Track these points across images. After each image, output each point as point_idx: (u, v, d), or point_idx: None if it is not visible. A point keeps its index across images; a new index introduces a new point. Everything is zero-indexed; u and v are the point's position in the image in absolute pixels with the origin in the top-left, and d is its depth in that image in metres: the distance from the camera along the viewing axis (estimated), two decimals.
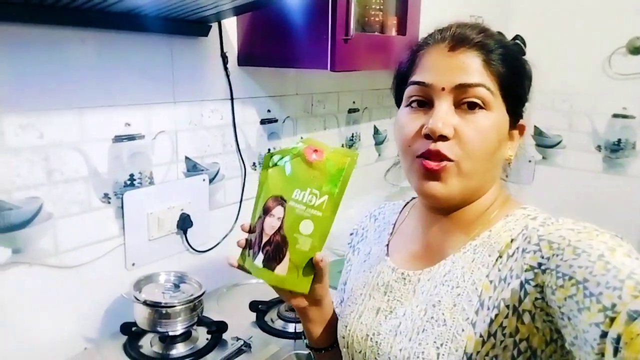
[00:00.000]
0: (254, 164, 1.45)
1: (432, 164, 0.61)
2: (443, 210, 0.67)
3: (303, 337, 0.81)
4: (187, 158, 1.26)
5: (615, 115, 1.95)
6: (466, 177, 0.62)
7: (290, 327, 1.18)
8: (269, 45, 1.25)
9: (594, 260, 0.48)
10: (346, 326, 0.72)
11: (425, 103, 0.63)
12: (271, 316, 1.23)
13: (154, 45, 1.13)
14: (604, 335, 0.44)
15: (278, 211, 0.64)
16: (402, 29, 1.38)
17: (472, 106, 0.61)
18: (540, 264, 0.54)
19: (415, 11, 1.40)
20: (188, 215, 1.26)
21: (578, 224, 0.56)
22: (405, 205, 0.81)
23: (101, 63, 1.04)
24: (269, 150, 1.50)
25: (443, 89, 0.61)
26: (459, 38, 0.62)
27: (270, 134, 1.49)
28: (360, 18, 1.30)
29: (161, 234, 1.22)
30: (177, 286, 1.12)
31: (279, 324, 1.20)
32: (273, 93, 1.47)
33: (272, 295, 1.30)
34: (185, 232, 1.27)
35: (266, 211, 0.65)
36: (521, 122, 0.67)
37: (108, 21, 0.99)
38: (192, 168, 1.28)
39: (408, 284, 0.68)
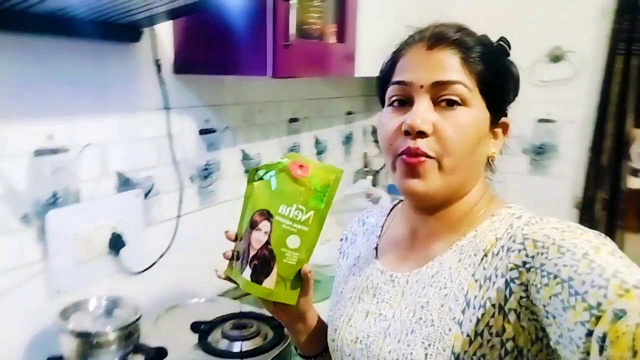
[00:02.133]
0: (191, 176, 1.38)
1: (412, 160, 0.61)
2: (429, 210, 0.67)
3: (293, 345, 0.83)
4: (118, 172, 1.17)
5: (540, 120, 2.07)
6: (447, 174, 0.62)
7: (236, 347, 1.12)
8: (207, 52, 1.20)
9: (579, 258, 0.49)
10: (336, 329, 0.71)
11: (405, 102, 0.64)
12: (214, 336, 1.16)
13: (81, 51, 1.04)
14: (589, 334, 0.44)
15: (265, 225, 0.66)
16: (340, 36, 1.38)
17: (451, 103, 0.61)
18: (525, 263, 0.55)
19: (353, 19, 1.40)
20: (120, 235, 1.16)
21: (562, 222, 0.56)
22: (393, 207, 0.81)
23: (20, 70, 0.94)
24: (208, 161, 1.43)
25: (421, 86, 0.62)
26: (436, 36, 0.63)
27: (209, 144, 1.42)
28: (299, 25, 1.28)
29: (90, 256, 1.11)
30: (109, 312, 1.03)
31: (223, 344, 1.13)
32: (211, 102, 1.41)
33: (215, 314, 1.24)
34: (117, 253, 1.17)
35: (253, 225, 0.66)
36: (504, 120, 0.67)
37: (28, 24, 0.90)
38: (124, 183, 1.19)
39: (397, 286, 0.68)
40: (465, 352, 0.57)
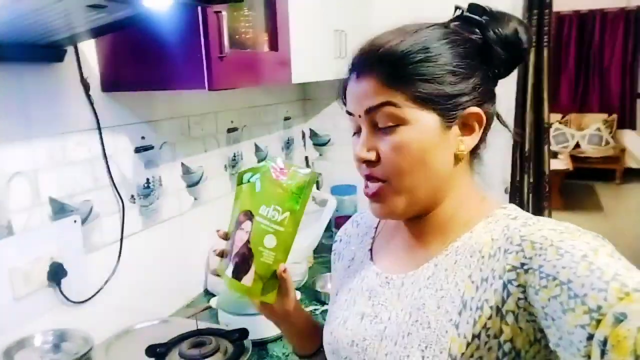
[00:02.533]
0: (132, 196, 1.34)
1: (367, 189, 0.65)
2: (411, 219, 0.68)
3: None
4: (51, 199, 1.11)
5: None
6: (404, 193, 0.63)
7: None
8: (138, 68, 1.17)
9: (578, 260, 0.49)
10: (331, 332, 0.71)
11: (359, 128, 0.66)
12: (172, 358, 1.13)
13: None
14: (590, 337, 0.45)
15: (247, 225, 0.70)
16: (274, 44, 1.39)
17: (385, 125, 0.62)
18: (522, 264, 0.54)
19: (284, 27, 1.42)
20: (60, 264, 1.10)
21: (560, 224, 0.56)
22: None
23: None
24: (148, 179, 1.39)
25: (360, 116, 0.64)
26: (358, 65, 0.65)
27: (147, 162, 1.38)
28: (232, 35, 1.27)
29: (29, 290, 1.05)
30: (57, 346, 0.98)
31: None
32: (146, 118, 1.37)
33: (170, 335, 1.21)
34: (58, 284, 1.11)
35: (238, 225, 0.71)
36: (471, 111, 0.62)
37: None
38: (60, 210, 1.13)
39: (392, 288, 0.67)
40: (463, 354, 0.57)
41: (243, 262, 0.69)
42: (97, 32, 1.05)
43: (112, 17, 0.91)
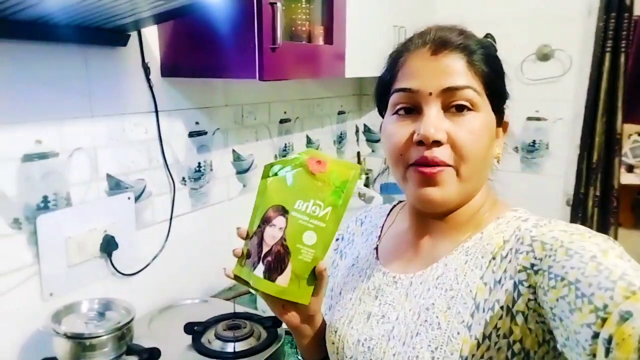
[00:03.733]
0: (183, 178, 1.39)
1: (429, 170, 0.60)
2: (437, 215, 0.66)
3: (295, 350, 0.78)
4: (108, 175, 1.18)
5: (530, 118, 2.08)
6: (464, 181, 0.61)
7: (229, 347, 1.13)
8: (195, 55, 1.21)
9: (587, 261, 0.49)
10: (336, 331, 0.70)
11: (412, 110, 0.62)
12: (208, 337, 1.17)
13: (67, 56, 1.05)
14: (595, 335, 0.44)
15: (279, 221, 0.64)
16: (328, 38, 1.39)
17: (461, 108, 0.60)
18: (532, 265, 0.54)
19: (341, 21, 1.41)
20: (112, 237, 1.17)
21: (570, 226, 0.56)
22: (393, 208, 0.80)
23: (7, 76, 0.95)
24: (199, 163, 1.44)
25: (430, 93, 0.60)
26: (440, 41, 0.61)
27: (199, 146, 1.43)
28: (287, 28, 1.29)
29: (82, 259, 1.12)
30: (102, 314, 1.03)
31: (216, 345, 1.14)
32: (201, 104, 1.42)
33: (208, 315, 1.25)
34: (110, 256, 1.18)
35: (266, 221, 0.64)
36: (505, 119, 0.67)
37: (12, 31, 0.91)
38: (115, 186, 1.20)
39: (400, 287, 0.67)
40: (473, 355, 0.56)
41: (278, 261, 0.63)
42: (159, 19, 1.09)
43: (174, 3, 0.94)
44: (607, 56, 1.91)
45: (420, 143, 0.60)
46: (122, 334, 0.99)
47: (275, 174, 0.66)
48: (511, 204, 0.67)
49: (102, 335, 0.96)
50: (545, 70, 1.99)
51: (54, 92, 1.03)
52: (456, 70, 0.60)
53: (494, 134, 0.63)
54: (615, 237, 2.14)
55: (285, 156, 1.83)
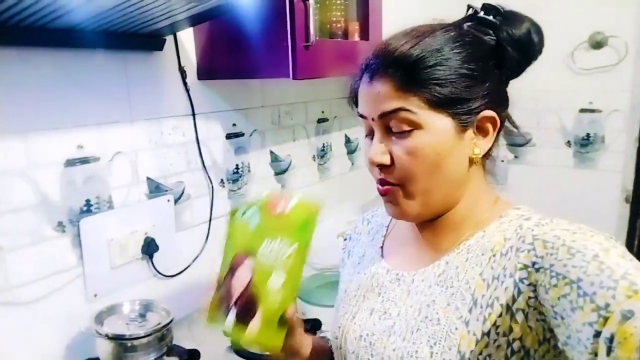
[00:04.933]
0: (221, 180, 1.40)
1: (381, 189, 0.65)
2: (425, 221, 0.68)
3: None
4: (148, 179, 1.20)
5: (583, 110, 1.97)
6: (418, 197, 0.63)
7: None
8: (229, 57, 1.21)
9: (589, 260, 0.49)
10: (339, 327, 0.71)
11: (372, 131, 0.65)
12: None
13: (106, 62, 1.07)
14: (597, 334, 0.44)
15: (246, 267, 0.62)
16: (364, 34, 1.36)
17: (401, 130, 0.61)
18: (534, 263, 0.55)
19: (377, 16, 1.38)
20: (153, 239, 1.19)
21: (573, 224, 0.56)
22: None
23: (46, 83, 0.98)
24: (237, 165, 1.44)
25: (373, 119, 0.62)
26: (373, 67, 0.62)
27: (237, 148, 1.44)
28: (321, 25, 1.27)
29: (125, 261, 1.14)
30: (142, 316, 1.05)
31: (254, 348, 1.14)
32: (237, 106, 1.42)
33: None
34: (151, 257, 1.20)
35: (234, 267, 0.62)
36: (484, 114, 0.62)
37: (51, 38, 0.93)
38: (155, 189, 1.22)
39: (402, 284, 0.68)
40: (472, 351, 0.57)
41: (246, 308, 0.60)
42: (193, 21, 1.10)
43: (208, 4, 0.94)
44: None
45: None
46: (162, 335, 1.00)
47: (240, 218, 0.65)
48: (514, 201, 0.67)
49: (143, 337, 0.97)
50: (599, 58, 1.87)
51: (94, 98, 1.06)
52: (387, 95, 0.60)
53: (451, 144, 0.61)
54: None
55: (323, 157, 1.82)
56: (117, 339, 0.96)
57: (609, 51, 1.85)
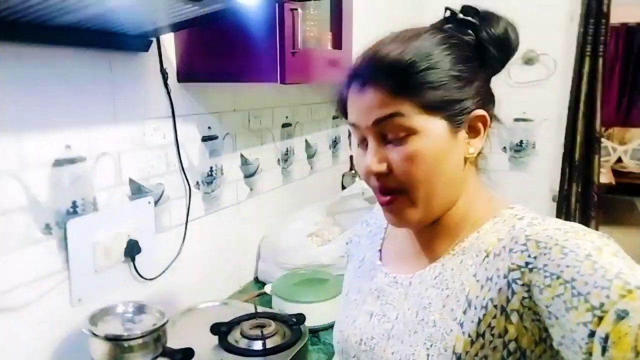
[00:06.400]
0: (197, 182, 1.40)
1: (383, 199, 0.63)
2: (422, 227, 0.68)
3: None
4: (131, 180, 1.18)
5: (517, 120, 2.20)
6: (421, 203, 0.62)
7: (256, 345, 1.15)
8: (213, 61, 1.23)
9: (582, 259, 0.49)
10: (341, 331, 0.73)
11: (365, 139, 0.64)
12: (234, 337, 1.18)
13: (93, 61, 1.06)
14: (591, 334, 0.45)
15: None
16: (337, 43, 1.44)
17: (397, 136, 0.60)
18: (527, 263, 0.54)
19: (349, 26, 1.46)
20: (136, 241, 1.17)
21: (565, 224, 0.56)
22: None
23: (38, 80, 0.95)
24: (211, 168, 1.46)
25: (366, 127, 0.62)
26: (362, 75, 0.62)
27: (211, 151, 1.45)
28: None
29: (108, 264, 1.12)
30: (136, 317, 1.03)
31: (243, 343, 1.16)
32: (213, 109, 1.44)
33: (231, 315, 1.26)
34: (133, 260, 1.18)
35: None
36: (475, 114, 0.63)
37: (47, 36, 0.91)
38: (137, 190, 1.20)
39: (400, 287, 0.68)
40: (467, 352, 0.57)
41: None
42: (184, 25, 1.11)
43: (202, 11, 0.97)
44: (587, 60, 2.04)
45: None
46: (159, 335, 1.00)
47: None
48: (508, 201, 0.67)
49: (140, 337, 0.96)
50: (531, 73, 2.11)
51: (81, 97, 1.04)
52: (380, 101, 0.60)
53: (447, 145, 0.61)
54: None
55: (286, 160, 1.87)
56: (114, 339, 0.95)
57: (540, 67, 2.09)
